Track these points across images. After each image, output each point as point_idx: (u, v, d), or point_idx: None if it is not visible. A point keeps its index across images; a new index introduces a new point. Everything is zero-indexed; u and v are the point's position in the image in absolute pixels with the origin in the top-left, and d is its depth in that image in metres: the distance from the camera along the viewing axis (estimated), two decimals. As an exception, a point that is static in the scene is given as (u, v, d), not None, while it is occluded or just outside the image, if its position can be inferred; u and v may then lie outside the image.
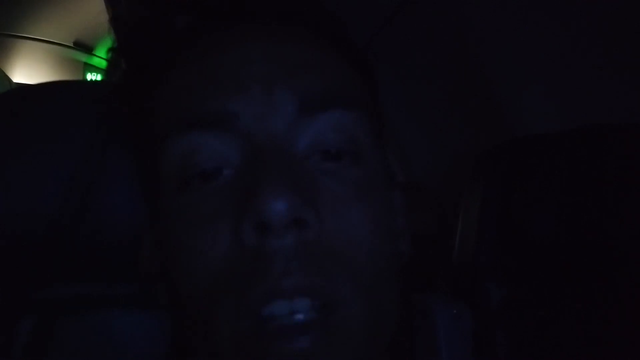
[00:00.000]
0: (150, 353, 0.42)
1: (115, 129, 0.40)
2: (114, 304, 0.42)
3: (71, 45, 2.94)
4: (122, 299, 0.42)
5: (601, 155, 0.53)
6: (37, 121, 0.40)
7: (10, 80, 2.58)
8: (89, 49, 3.13)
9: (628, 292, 0.51)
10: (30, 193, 0.39)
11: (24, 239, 0.39)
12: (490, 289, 0.58)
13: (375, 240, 0.32)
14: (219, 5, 0.36)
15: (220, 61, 0.33)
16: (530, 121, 0.89)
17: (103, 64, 3.16)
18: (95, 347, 0.41)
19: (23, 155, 0.39)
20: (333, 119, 0.33)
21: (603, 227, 0.51)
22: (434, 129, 1.22)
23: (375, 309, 0.31)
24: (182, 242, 0.31)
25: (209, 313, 0.30)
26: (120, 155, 0.40)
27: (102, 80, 0.45)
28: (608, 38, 0.75)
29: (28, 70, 2.88)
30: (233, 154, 0.32)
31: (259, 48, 0.33)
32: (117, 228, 0.40)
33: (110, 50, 0.38)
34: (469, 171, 0.66)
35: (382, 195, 0.35)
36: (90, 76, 3.31)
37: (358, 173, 0.33)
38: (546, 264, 0.57)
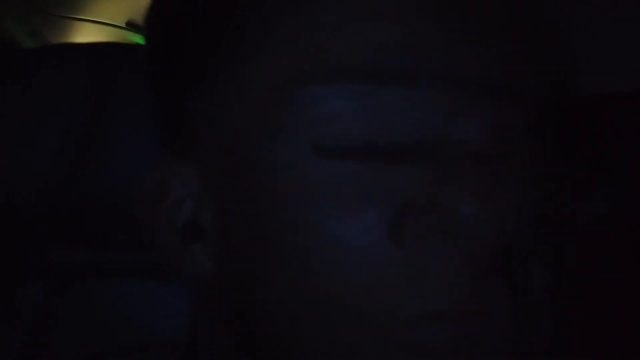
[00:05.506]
0: (167, 328, 0.39)
1: (119, 83, 0.38)
2: (125, 273, 0.40)
3: (124, 26, 3.00)
4: (134, 267, 0.40)
5: None
6: (30, 80, 0.38)
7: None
8: (141, 30, 3.19)
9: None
10: (21, 147, 0.37)
11: (19, 198, 0.37)
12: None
13: None
14: None
15: None
16: None
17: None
18: (106, 318, 0.39)
19: (14, 109, 0.38)
20: None
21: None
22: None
23: None
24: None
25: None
26: (123, 109, 0.37)
27: (98, 42, 0.43)
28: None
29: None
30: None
31: None
32: (117, 186, 0.37)
33: None
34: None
35: None
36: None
37: None
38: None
